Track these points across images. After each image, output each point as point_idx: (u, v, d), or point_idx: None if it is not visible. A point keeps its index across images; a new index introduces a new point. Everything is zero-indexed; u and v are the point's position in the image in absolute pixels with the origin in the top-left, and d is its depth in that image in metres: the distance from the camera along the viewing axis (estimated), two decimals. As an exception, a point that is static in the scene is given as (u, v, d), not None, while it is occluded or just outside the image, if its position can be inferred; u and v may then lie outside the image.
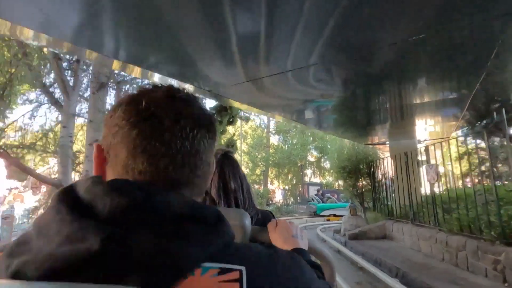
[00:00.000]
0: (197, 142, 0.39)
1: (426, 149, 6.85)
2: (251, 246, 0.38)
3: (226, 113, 9.05)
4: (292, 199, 18.98)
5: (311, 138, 19.92)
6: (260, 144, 21.50)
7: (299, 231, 0.66)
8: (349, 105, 5.59)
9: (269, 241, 0.66)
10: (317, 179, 22.98)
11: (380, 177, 8.64)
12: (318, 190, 16.48)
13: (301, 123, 7.45)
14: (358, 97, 5.27)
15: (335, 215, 14.07)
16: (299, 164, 20.43)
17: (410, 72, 4.13)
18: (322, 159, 21.66)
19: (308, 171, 22.76)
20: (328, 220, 13.75)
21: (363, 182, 8.67)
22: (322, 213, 14.14)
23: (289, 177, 21.42)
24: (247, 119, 17.92)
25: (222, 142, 9.09)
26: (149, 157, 0.36)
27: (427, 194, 6.48)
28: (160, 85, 0.41)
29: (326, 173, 24.21)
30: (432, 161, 6.49)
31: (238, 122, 21.08)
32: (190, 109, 0.40)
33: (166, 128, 0.37)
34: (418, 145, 8.17)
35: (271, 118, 21.89)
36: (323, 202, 14.70)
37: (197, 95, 0.44)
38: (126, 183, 0.35)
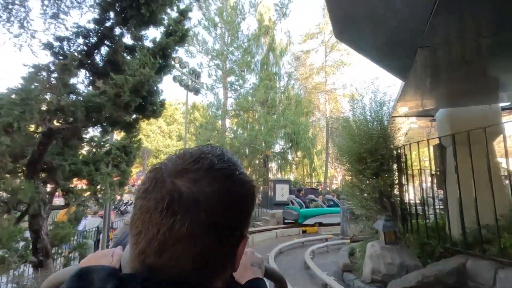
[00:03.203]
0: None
1: None
2: None
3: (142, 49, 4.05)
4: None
5: (282, 119, 15.54)
6: (213, 126, 16.34)
7: (257, 259, 0.71)
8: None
9: None
10: (279, 175, 19.07)
11: (424, 174, 4.94)
12: (299, 190, 12.05)
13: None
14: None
15: (321, 224, 10.22)
16: (261, 155, 16.10)
17: None
18: (290, 150, 17.65)
19: (274, 165, 18.46)
20: (304, 231, 9.88)
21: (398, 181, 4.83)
22: (306, 222, 10.10)
23: (249, 171, 17.06)
24: (196, 90, 13.01)
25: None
26: None
27: None
28: None
29: (289, 169, 20.49)
30: None
31: (185, 94, 15.89)
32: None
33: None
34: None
35: (229, 96, 17.20)
36: (306, 207, 10.48)
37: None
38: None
